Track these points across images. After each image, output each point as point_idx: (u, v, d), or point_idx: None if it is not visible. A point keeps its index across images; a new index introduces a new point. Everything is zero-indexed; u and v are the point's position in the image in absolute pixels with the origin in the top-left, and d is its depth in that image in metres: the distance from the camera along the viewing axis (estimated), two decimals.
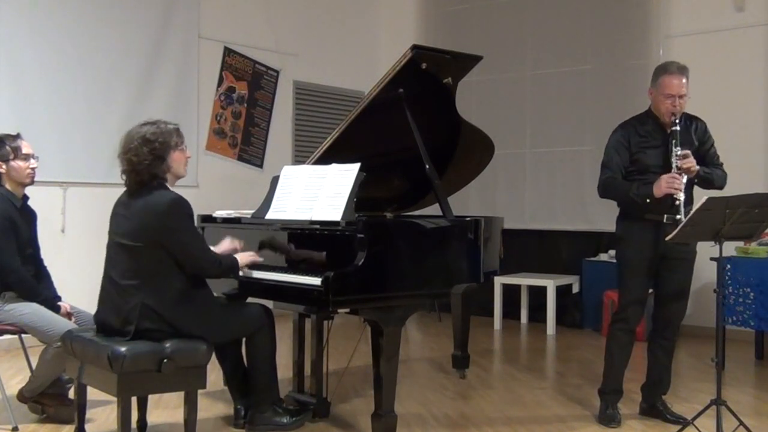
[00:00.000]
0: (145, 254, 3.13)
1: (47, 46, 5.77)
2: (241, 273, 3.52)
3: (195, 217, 3.85)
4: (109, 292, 3.22)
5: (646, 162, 3.75)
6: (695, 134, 3.80)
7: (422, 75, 3.95)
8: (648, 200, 3.65)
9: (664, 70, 3.72)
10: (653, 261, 3.80)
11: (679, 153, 3.61)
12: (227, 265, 3.39)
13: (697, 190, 3.79)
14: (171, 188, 3.30)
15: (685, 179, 3.59)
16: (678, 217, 3.48)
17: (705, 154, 3.81)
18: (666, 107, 3.67)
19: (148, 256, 3.14)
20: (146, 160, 3.17)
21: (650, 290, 3.93)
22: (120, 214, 3.26)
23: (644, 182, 3.69)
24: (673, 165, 3.61)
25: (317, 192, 3.63)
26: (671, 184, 3.56)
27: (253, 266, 3.60)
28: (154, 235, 3.13)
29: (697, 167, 3.65)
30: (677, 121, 3.66)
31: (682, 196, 3.54)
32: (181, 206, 3.18)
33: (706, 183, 3.76)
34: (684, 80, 3.67)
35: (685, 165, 3.60)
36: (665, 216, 3.67)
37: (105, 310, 3.22)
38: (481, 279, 3.81)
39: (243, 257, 3.51)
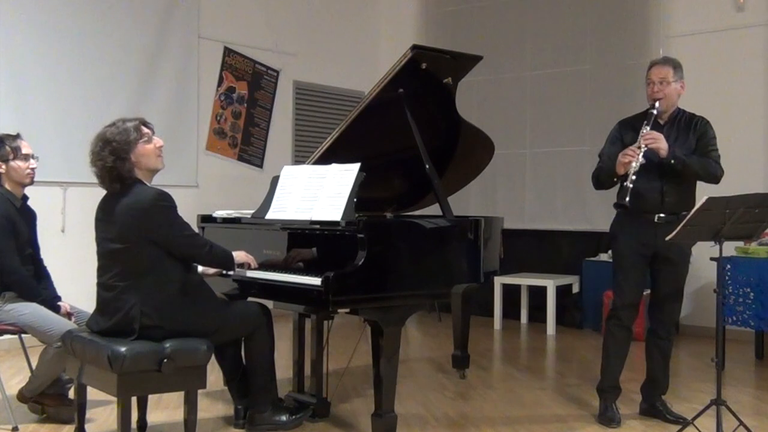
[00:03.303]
0: (137, 254, 3.13)
1: (47, 46, 5.77)
2: (234, 271, 3.52)
3: (195, 217, 3.86)
4: (106, 298, 3.20)
5: None
6: (693, 131, 3.78)
7: (422, 75, 3.95)
8: (615, 179, 3.72)
9: (650, 62, 3.85)
10: (646, 259, 3.80)
11: (647, 131, 3.63)
12: (220, 253, 3.39)
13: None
14: (149, 183, 3.28)
15: (641, 154, 3.56)
16: (625, 183, 3.54)
17: (703, 149, 3.75)
18: (648, 93, 3.76)
19: (141, 255, 3.13)
20: (108, 162, 3.16)
21: (646, 290, 3.94)
22: (103, 219, 3.24)
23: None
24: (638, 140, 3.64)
25: (317, 192, 3.63)
26: (625, 153, 3.60)
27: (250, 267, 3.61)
28: (142, 234, 3.13)
29: (666, 146, 3.61)
30: (657, 105, 3.70)
31: (632, 169, 3.54)
32: (163, 200, 3.17)
33: (687, 169, 3.65)
34: (668, 69, 3.73)
35: (647, 141, 3.60)
36: (656, 216, 3.68)
37: (103, 315, 3.20)
38: (481, 279, 3.81)
39: (239, 254, 3.51)
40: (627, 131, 3.83)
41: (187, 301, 3.21)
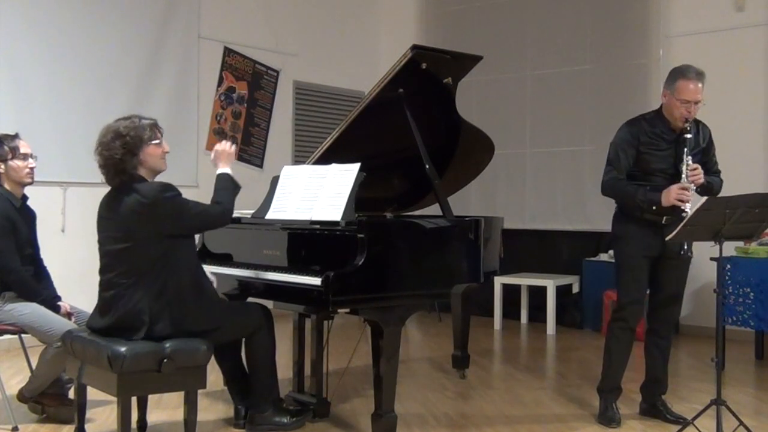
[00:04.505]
0: (143, 251, 3.12)
1: (47, 46, 5.77)
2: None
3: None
4: (108, 296, 3.18)
5: (652, 165, 3.73)
6: (701, 139, 3.80)
7: (422, 75, 3.95)
8: (654, 207, 3.65)
9: (681, 74, 3.66)
10: (651, 260, 3.80)
11: (690, 164, 3.60)
12: (229, 196, 3.42)
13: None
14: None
15: (693, 190, 3.59)
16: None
17: (708, 160, 3.82)
18: (681, 113, 3.64)
19: (147, 253, 3.12)
20: (117, 155, 3.15)
21: (647, 291, 3.94)
22: (107, 218, 3.23)
23: (651, 187, 3.68)
24: (683, 175, 3.60)
25: (317, 192, 3.63)
26: (681, 196, 3.56)
27: (251, 267, 3.60)
28: (149, 229, 3.12)
29: (703, 179, 3.66)
30: (689, 128, 3.64)
31: (689, 207, 3.52)
32: (167, 190, 3.16)
33: (706, 191, 3.74)
34: (700, 85, 3.63)
35: (694, 178, 3.60)
36: (664, 218, 3.68)
37: (106, 313, 3.18)
38: (481, 279, 3.81)
39: (224, 158, 3.52)
40: (641, 135, 3.74)
41: (191, 299, 3.20)
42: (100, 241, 3.26)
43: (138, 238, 3.12)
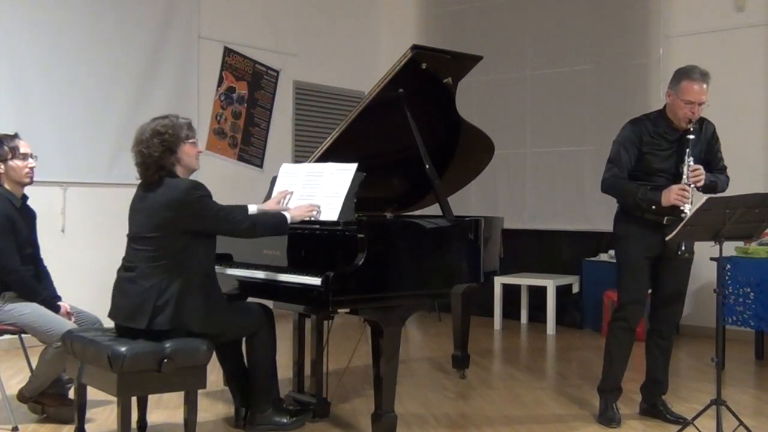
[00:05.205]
0: (165, 242, 3.16)
1: (47, 46, 5.77)
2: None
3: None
4: (120, 279, 3.24)
5: (653, 165, 3.73)
6: (704, 137, 3.79)
7: (422, 75, 3.95)
8: (653, 207, 3.64)
9: (686, 74, 3.63)
10: (653, 260, 3.80)
11: (691, 165, 3.60)
12: (264, 223, 3.40)
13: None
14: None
15: (693, 191, 3.59)
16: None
17: (712, 157, 3.81)
18: (684, 113, 3.63)
19: (169, 245, 3.16)
20: (156, 152, 3.21)
21: (648, 290, 3.94)
22: (137, 209, 3.30)
23: (652, 186, 3.67)
24: (684, 176, 3.59)
25: (314, 191, 3.63)
26: (681, 197, 3.56)
27: (251, 267, 3.60)
28: (176, 225, 3.17)
29: (704, 181, 3.65)
30: (692, 129, 3.64)
31: (688, 208, 3.52)
32: (196, 189, 3.21)
33: (710, 190, 3.72)
34: (705, 87, 3.61)
35: (695, 179, 3.60)
36: (665, 218, 3.67)
37: (117, 296, 3.24)
38: (481, 279, 3.81)
39: (298, 211, 3.51)
40: (644, 134, 3.73)
41: (195, 301, 3.20)
42: (128, 235, 3.33)
43: (162, 232, 3.17)
